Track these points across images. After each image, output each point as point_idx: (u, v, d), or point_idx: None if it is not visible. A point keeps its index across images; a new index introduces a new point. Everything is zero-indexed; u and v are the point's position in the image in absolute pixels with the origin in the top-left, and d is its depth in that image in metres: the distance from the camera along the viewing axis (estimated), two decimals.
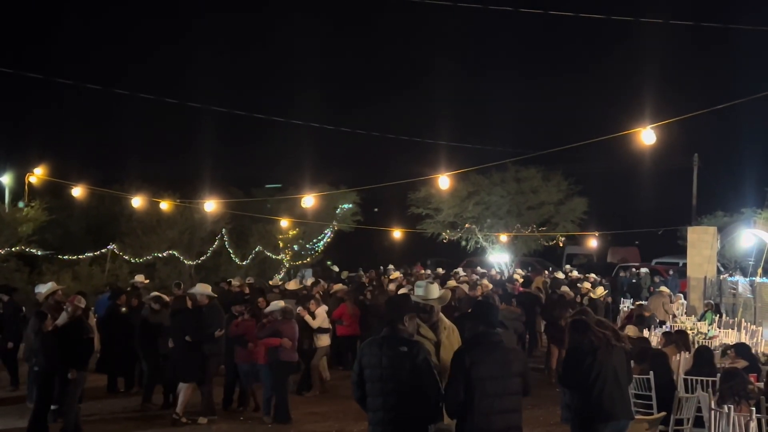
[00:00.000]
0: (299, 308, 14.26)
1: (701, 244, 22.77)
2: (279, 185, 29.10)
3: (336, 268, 29.72)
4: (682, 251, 26.99)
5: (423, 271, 29.09)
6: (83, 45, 59.66)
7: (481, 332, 6.41)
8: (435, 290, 7.31)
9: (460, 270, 28.41)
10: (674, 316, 18.61)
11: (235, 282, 19.95)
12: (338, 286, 18.24)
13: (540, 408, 12.33)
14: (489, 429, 6.13)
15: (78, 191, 24.80)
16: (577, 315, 8.04)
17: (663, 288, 20.66)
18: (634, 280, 26.67)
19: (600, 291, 19.82)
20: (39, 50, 54.01)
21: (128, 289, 16.56)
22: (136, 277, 17.58)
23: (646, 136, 14.68)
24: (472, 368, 6.15)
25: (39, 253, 23.26)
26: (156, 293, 14.28)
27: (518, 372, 6.33)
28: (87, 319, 13.18)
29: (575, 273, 27.13)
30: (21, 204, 24.05)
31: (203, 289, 12.74)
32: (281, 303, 12.66)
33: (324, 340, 14.40)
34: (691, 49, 55.00)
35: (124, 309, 14.81)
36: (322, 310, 14.56)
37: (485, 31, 67.80)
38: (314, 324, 14.24)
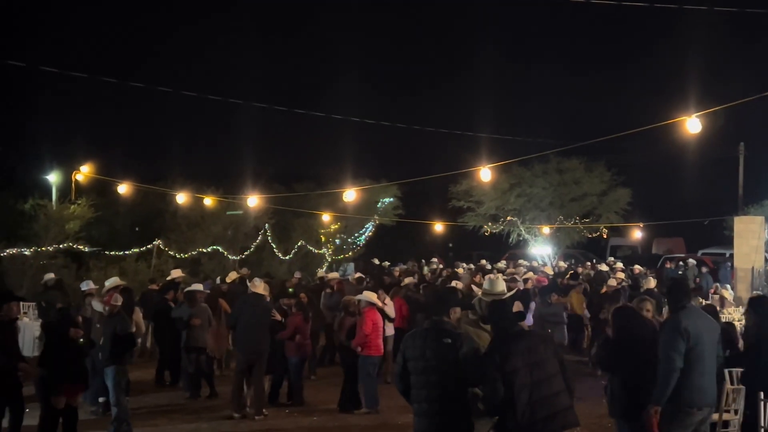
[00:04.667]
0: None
1: (748, 234, 22.39)
2: (240, 212, 28.82)
3: (377, 261, 29.82)
4: (728, 241, 26.58)
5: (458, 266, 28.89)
6: (127, 43, 60.51)
7: (501, 328, 6.48)
8: (501, 284, 7.45)
9: (502, 263, 28.30)
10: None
11: (233, 276, 18.57)
12: (409, 279, 18.48)
13: (584, 401, 12.20)
14: (534, 418, 6.11)
15: (123, 188, 25.15)
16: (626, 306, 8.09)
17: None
18: (680, 272, 26.28)
19: (652, 282, 19.56)
20: (84, 50, 54.86)
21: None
22: (172, 272, 17.72)
23: (692, 125, 14.44)
24: (504, 363, 6.19)
25: (86, 249, 23.62)
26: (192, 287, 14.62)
27: (551, 354, 6.33)
28: (131, 314, 13.40)
29: (620, 265, 26.82)
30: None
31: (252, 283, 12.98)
32: (373, 295, 12.96)
33: (391, 329, 14.88)
34: (735, 36, 54.14)
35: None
36: (390, 301, 15.17)
37: (526, 22, 67.34)
38: (391, 313, 14.83)
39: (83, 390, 10.37)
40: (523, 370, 6.14)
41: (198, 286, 14.75)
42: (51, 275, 18.18)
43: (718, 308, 17.86)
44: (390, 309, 14.89)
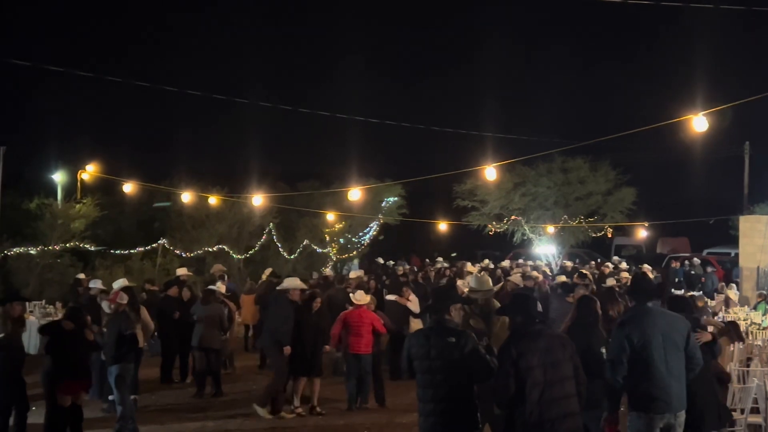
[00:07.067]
0: (396, 297, 15.11)
1: (753, 234, 22.42)
2: (168, 203, 28.43)
3: (381, 260, 29.82)
4: (734, 241, 26.56)
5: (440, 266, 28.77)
6: (132, 43, 60.55)
7: (520, 323, 6.43)
8: (486, 282, 7.40)
9: (506, 262, 28.21)
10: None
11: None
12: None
13: None
14: (542, 418, 6.11)
15: (129, 187, 25.23)
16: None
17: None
18: (693, 272, 26.15)
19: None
20: (89, 49, 54.92)
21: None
22: (177, 270, 17.74)
23: (698, 123, 14.38)
24: (520, 359, 6.16)
25: (92, 248, 23.67)
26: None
27: (567, 357, 6.31)
28: (137, 313, 13.40)
29: (624, 264, 26.75)
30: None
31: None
32: (360, 295, 12.97)
33: (418, 324, 14.81)
34: (741, 34, 54.03)
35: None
36: (414, 297, 15.24)
37: (531, 20, 67.31)
38: (415, 309, 14.87)
39: (85, 388, 10.33)
40: (537, 369, 6.13)
41: (222, 288, 14.79)
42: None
43: (722, 308, 17.87)
44: (414, 306, 15.00)
